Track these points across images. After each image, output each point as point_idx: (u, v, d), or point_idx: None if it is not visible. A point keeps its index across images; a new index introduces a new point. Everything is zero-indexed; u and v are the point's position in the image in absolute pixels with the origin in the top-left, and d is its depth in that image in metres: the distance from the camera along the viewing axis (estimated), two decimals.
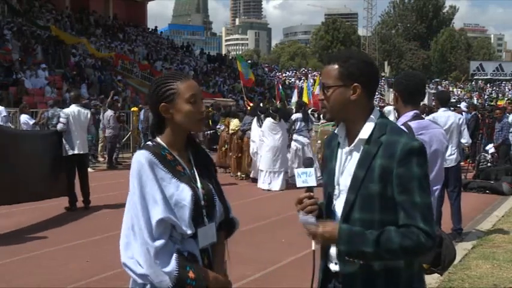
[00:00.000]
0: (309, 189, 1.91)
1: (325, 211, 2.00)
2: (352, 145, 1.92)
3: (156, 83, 2.02)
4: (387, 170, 1.81)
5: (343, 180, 1.93)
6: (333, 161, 2.00)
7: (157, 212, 1.87)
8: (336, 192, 1.96)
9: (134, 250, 1.88)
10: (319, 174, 5.71)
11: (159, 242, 1.86)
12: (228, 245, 2.16)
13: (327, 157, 2.06)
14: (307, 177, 1.91)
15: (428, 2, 75.53)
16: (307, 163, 1.97)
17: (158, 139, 2.03)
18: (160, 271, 1.84)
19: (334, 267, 1.98)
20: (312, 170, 1.92)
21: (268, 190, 10.18)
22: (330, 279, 2.00)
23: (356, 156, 1.90)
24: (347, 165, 1.93)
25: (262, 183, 10.35)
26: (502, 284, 4.72)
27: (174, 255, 1.87)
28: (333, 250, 1.97)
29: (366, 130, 1.89)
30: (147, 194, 1.89)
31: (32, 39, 24.46)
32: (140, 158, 1.93)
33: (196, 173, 2.04)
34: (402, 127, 2.99)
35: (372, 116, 1.91)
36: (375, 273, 1.86)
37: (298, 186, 1.93)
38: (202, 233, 1.98)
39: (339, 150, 1.99)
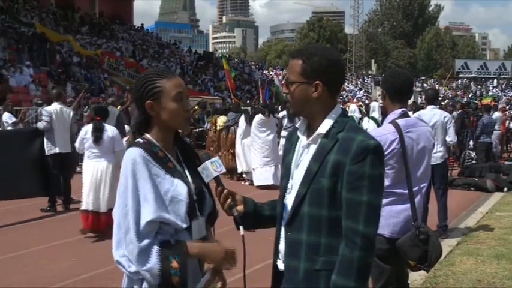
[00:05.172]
0: (215, 179, 1.99)
1: (279, 205, 2.01)
2: (310, 139, 1.92)
3: (142, 79, 1.99)
4: (340, 165, 1.79)
5: (297, 173, 1.92)
6: (291, 154, 1.99)
7: (148, 212, 1.85)
8: (289, 185, 1.95)
9: (124, 248, 1.87)
10: None
11: (145, 242, 1.83)
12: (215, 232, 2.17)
13: (285, 151, 2.06)
14: (207, 172, 1.98)
15: (414, 0, 75.99)
16: (202, 159, 2.04)
17: (148, 136, 2.00)
18: (143, 269, 1.81)
19: (281, 265, 1.97)
20: (207, 163, 1.99)
21: (258, 186, 10.15)
22: (280, 280, 1.99)
23: (312, 150, 1.89)
24: (302, 159, 1.93)
25: (257, 180, 10.30)
26: (485, 279, 4.79)
27: (155, 249, 1.84)
28: (282, 246, 1.96)
29: (325, 125, 1.88)
30: (140, 193, 1.86)
31: (16, 36, 24.15)
32: (134, 155, 1.90)
33: (186, 169, 2.04)
34: (390, 124, 3.03)
35: (332, 113, 1.90)
36: (317, 272, 1.84)
37: (206, 181, 2.02)
38: (196, 227, 1.98)
39: (297, 145, 1.98)
